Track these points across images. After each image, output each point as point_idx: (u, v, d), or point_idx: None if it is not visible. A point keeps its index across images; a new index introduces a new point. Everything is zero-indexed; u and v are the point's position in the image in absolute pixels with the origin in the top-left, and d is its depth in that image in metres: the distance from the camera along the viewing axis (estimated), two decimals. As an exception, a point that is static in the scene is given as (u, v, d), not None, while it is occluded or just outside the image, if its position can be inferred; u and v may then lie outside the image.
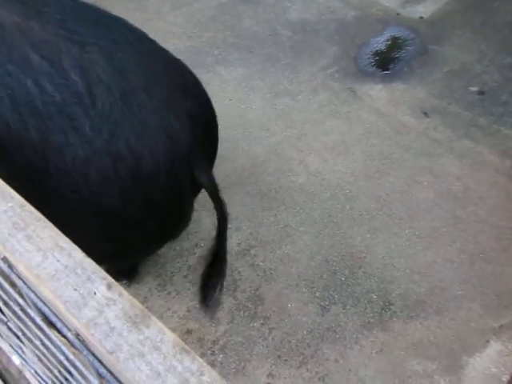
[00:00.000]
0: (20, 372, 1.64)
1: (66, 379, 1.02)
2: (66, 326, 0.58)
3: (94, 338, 0.55)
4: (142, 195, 1.47)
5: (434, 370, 1.86)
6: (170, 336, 0.56)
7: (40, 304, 0.62)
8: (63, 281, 0.60)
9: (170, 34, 3.47)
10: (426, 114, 2.94)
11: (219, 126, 2.85)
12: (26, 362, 1.45)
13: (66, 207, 1.47)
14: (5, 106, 1.37)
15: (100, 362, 0.56)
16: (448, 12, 3.62)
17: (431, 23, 3.53)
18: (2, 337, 1.53)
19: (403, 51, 3.37)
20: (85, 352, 0.56)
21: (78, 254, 0.63)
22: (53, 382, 1.21)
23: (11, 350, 1.54)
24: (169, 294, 2.12)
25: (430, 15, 3.58)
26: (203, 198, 2.48)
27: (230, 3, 3.79)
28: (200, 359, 0.55)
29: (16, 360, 1.60)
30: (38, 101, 1.36)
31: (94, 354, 0.56)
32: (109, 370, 0.55)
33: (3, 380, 1.65)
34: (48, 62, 1.36)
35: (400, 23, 3.59)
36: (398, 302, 2.10)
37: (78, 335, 0.57)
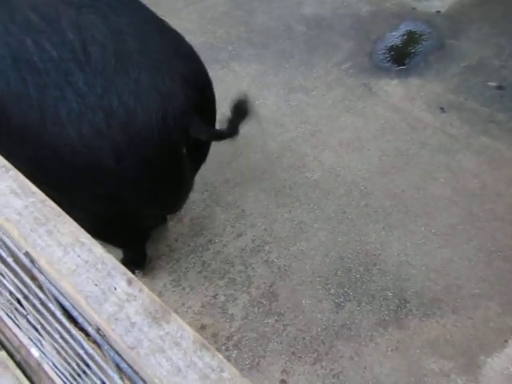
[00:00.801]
0: (39, 364, 1.66)
1: (84, 372, 1.03)
2: (87, 321, 0.58)
3: (114, 334, 0.55)
4: (134, 151, 1.50)
5: (450, 369, 1.84)
6: (190, 332, 0.56)
7: (61, 298, 0.62)
8: (84, 276, 0.60)
9: (184, 30, 3.45)
10: (442, 109, 2.89)
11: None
12: (44, 354, 1.47)
13: (61, 162, 1.51)
14: (6, 64, 1.45)
15: (121, 356, 0.56)
16: (466, 5, 3.55)
17: (448, 17, 3.48)
18: (21, 329, 1.56)
19: (419, 46, 3.32)
20: (106, 347, 0.56)
21: (98, 249, 0.63)
22: (71, 374, 1.23)
23: (30, 342, 1.57)
24: (183, 289, 2.13)
25: (448, 9, 3.52)
26: (216, 194, 2.49)
27: (243, -1, 3.78)
28: (220, 356, 0.54)
29: (35, 352, 1.63)
30: (36, 58, 1.43)
31: (114, 349, 0.56)
32: (129, 366, 0.55)
33: (23, 371, 1.67)
34: (46, 22, 1.45)
35: (416, 17, 3.54)
36: (414, 300, 2.08)
37: (98, 330, 0.57)
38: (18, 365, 1.71)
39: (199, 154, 1.79)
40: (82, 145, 1.46)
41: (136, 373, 0.55)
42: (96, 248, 0.63)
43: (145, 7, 1.70)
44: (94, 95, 1.42)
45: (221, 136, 1.67)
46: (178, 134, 1.54)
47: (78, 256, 0.62)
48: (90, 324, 0.58)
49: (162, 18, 3.47)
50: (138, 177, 1.56)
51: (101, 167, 1.50)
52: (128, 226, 1.87)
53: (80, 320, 0.59)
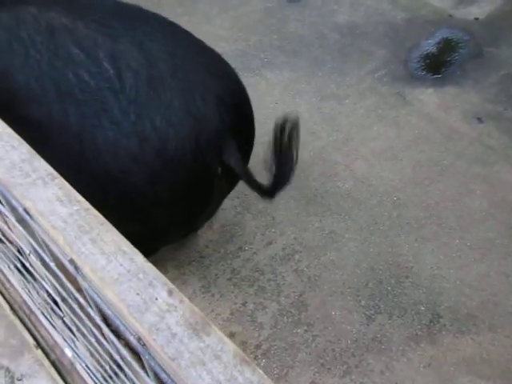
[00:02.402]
0: (72, 364, 1.70)
1: (116, 375, 1.04)
2: (129, 330, 0.59)
3: (155, 344, 0.55)
4: (168, 174, 1.53)
5: (487, 389, 1.78)
6: (231, 345, 0.56)
7: (103, 306, 0.63)
8: (126, 285, 0.61)
9: (218, 37, 3.51)
10: (479, 119, 2.82)
11: (265, 130, 2.85)
12: (77, 355, 1.50)
13: (98, 187, 1.55)
14: (51, 97, 1.52)
15: (161, 367, 0.57)
16: (506, 12, 3.46)
17: (487, 24, 3.39)
18: (56, 330, 1.59)
19: (456, 54, 3.25)
20: (147, 356, 0.57)
21: (139, 258, 0.64)
22: (102, 376, 1.25)
23: (64, 342, 1.60)
24: (213, 296, 2.13)
25: (486, 16, 3.44)
26: (247, 201, 2.50)
27: (276, 6, 3.79)
28: (260, 371, 0.54)
29: (68, 352, 1.67)
30: (76, 89, 1.50)
31: (155, 359, 0.57)
32: (169, 377, 0.56)
33: (57, 371, 1.71)
34: (85, 54, 1.51)
35: (453, 25, 3.47)
36: (448, 315, 2.02)
37: (139, 339, 0.58)
38: (53, 364, 1.76)
39: (234, 175, 1.78)
40: (118, 170, 1.51)
41: (176, 384, 0.55)
42: (137, 257, 0.64)
43: (181, 30, 1.73)
44: (128, 122, 1.46)
45: (248, 177, 1.66)
46: (211, 157, 1.56)
47: (121, 265, 0.63)
48: (131, 333, 0.58)
49: (197, 25, 3.50)
50: (170, 199, 1.60)
51: (136, 191, 1.55)
52: (152, 241, 1.91)
53: (121, 328, 0.60)
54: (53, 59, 1.53)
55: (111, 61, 1.48)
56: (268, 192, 1.74)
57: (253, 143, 1.82)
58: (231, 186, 1.85)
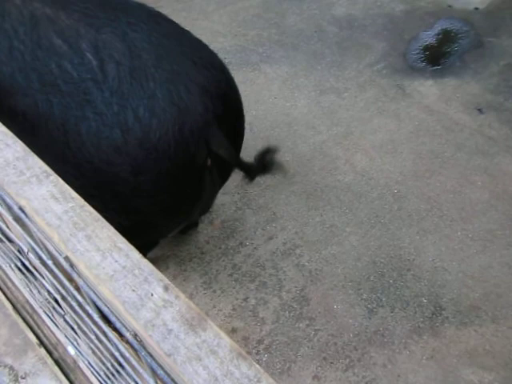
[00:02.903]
0: (75, 362, 1.70)
1: (118, 372, 1.04)
2: (125, 326, 0.59)
3: (151, 340, 0.55)
4: (151, 165, 1.52)
5: (490, 381, 1.77)
6: (227, 340, 0.55)
7: (99, 303, 0.63)
8: (121, 281, 0.60)
9: (216, 32, 3.50)
10: (480, 110, 2.80)
11: (264, 124, 2.85)
12: (80, 353, 1.51)
13: (83, 178, 1.56)
14: (35, 88, 1.52)
15: (157, 363, 0.56)
16: (506, 1, 3.43)
17: (487, 14, 3.37)
18: (58, 328, 1.60)
19: (456, 45, 3.23)
20: (143, 353, 0.57)
21: (135, 254, 0.64)
22: (105, 374, 1.25)
23: (67, 340, 1.61)
24: (214, 292, 2.13)
25: (487, 5, 3.41)
26: (247, 197, 2.49)
27: (274, 0, 3.77)
28: (257, 365, 0.54)
29: (71, 350, 1.67)
30: (59, 80, 1.50)
31: (151, 356, 0.57)
32: (166, 372, 0.55)
33: (60, 368, 1.72)
34: (68, 45, 1.50)
35: (452, 15, 3.44)
36: (450, 308, 2.02)
37: (136, 336, 0.58)
38: (56, 362, 1.76)
39: (226, 167, 1.78)
40: (100, 161, 1.51)
41: (173, 380, 0.55)
42: (133, 253, 0.64)
43: (166, 20, 1.70)
44: (111, 112, 1.46)
45: (240, 164, 1.67)
46: (195, 147, 1.54)
47: (116, 261, 0.62)
48: (127, 329, 0.58)
49: (195, 20, 3.49)
50: (155, 190, 1.59)
51: (119, 182, 1.55)
52: (144, 234, 1.90)
53: (117, 325, 0.60)
54: (36, 50, 1.53)
55: (94, 51, 1.48)
56: (256, 171, 1.75)
57: (243, 132, 1.81)
58: (224, 177, 1.84)
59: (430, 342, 1.92)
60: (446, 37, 3.31)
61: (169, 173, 1.55)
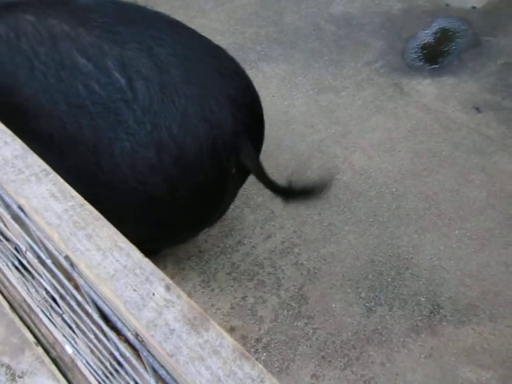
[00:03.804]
0: (73, 361, 1.69)
1: (117, 371, 1.04)
2: (126, 326, 0.58)
3: (153, 340, 0.54)
4: (187, 181, 1.52)
5: (488, 380, 1.78)
6: (230, 340, 0.55)
7: (100, 303, 0.62)
8: (122, 281, 0.60)
9: (214, 30, 3.49)
10: (478, 109, 2.80)
11: (262, 123, 2.84)
12: (78, 352, 1.50)
13: (117, 199, 1.53)
14: (61, 110, 1.48)
15: (159, 363, 0.56)
16: (504, 0, 3.44)
17: (485, 13, 3.37)
18: (56, 327, 1.59)
19: (453, 44, 3.23)
20: (145, 353, 0.56)
21: (136, 253, 0.63)
22: (103, 373, 1.24)
23: (64, 339, 1.60)
24: (212, 290, 2.13)
25: (484, 4, 3.42)
26: (246, 195, 2.49)
27: (272, -1, 3.76)
28: (260, 365, 0.53)
29: (69, 349, 1.67)
30: (87, 101, 1.45)
31: (153, 356, 0.56)
32: (168, 373, 0.55)
33: (58, 368, 1.71)
34: (93, 64, 1.46)
35: (450, 14, 3.45)
36: (448, 306, 2.02)
37: (137, 336, 0.57)
38: (54, 361, 1.75)
39: (245, 173, 1.78)
40: (136, 181, 1.49)
41: (175, 380, 0.55)
42: (134, 252, 0.63)
43: (185, 28, 1.68)
44: (144, 132, 1.43)
45: (262, 174, 1.67)
46: (228, 159, 1.54)
47: (117, 260, 0.62)
48: (128, 329, 0.58)
49: (192, 18, 3.48)
50: (190, 204, 1.59)
51: (155, 200, 1.53)
52: (167, 242, 1.91)
53: (119, 325, 0.59)
54: (59, 71, 1.48)
55: (121, 69, 1.44)
56: (282, 192, 1.74)
57: (263, 138, 1.82)
58: (242, 182, 1.85)
59: (428, 340, 1.93)
60: (444, 36, 3.31)
61: (203, 186, 1.55)
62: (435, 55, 3.18)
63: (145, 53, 1.47)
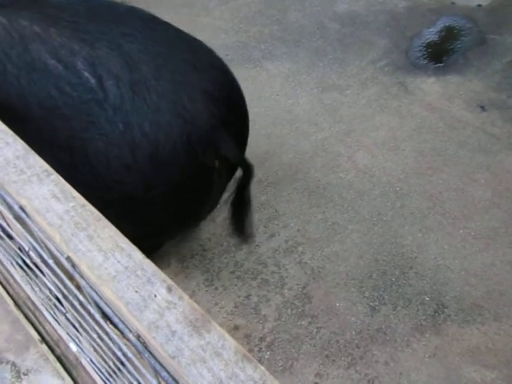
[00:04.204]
0: (77, 359, 1.70)
1: (120, 370, 1.04)
2: (128, 328, 0.58)
3: (155, 342, 0.54)
4: (163, 178, 1.50)
5: (493, 380, 1.77)
6: (231, 342, 0.54)
7: (102, 304, 0.62)
8: (124, 282, 0.60)
9: (218, 29, 3.48)
10: (483, 107, 2.79)
11: (266, 122, 2.84)
12: (82, 350, 1.50)
13: (92, 198, 1.53)
14: (35, 113, 1.47)
15: (161, 365, 0.56)
16: (509, -1, 3.41)
17: (491, 11, 3.34)
18: (60, 325, 1.59)
19: (458, 42, 3.21)
20: (146, 354, 0.56)
21: (137, 255, 0.63)
22: (107, 371, 1.25)
23: (69, 337, 1.60)
24: (216, 289, 2.13)
25: (490, 2, 3.39)
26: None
27: (276, -3, 3.75)
28: (262, 367, 0.53)
29: (73, 347, 1.67)
30: (60, 103, 1.45)
31: (155, 358, 0.56)
32: (170, 374, 0.55)
33: (62, 365, 1.72)
34: (63, 65, 1.44)
35: (455, 12, 3.42)
36: (453, 305, 2.01)
37: (139, 337, 0.57)
38: (58, 359, 1.76)
39: (232, 166, 1.77)
40: (112, 181, 1.48)
41: (176, 382, 0.54)
42: (135, 253, 0.63)
43: (159, 23, 1.65)
44: (117, 131, 1.42)
45: (244, 165, 1.65)
46: (205, 154, 1.53)
47: (118, 262, 0.62)
48: (130, 331, 0.58)
49: (196, 17, 3.46)
50: (168, 201, 1.58)
51: (131, 198, 1.53)
52: (154, 239, 1.90)
53: (120, 326, 0.59)
54: (31, 73, 1.46)
55: (91, 69, 1.43)
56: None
57: (248, 130, 1.80)
58: (231, 175, 1.83)
59: (433, 339, 1.92)
60: (449, 34, 3.29)
61: (180, 183, 1.54)
62: (440, 53, 3.16)
63: (115, 51, 1.45)
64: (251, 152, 2.43)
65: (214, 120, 1.51)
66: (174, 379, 0.54)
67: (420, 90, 2.94)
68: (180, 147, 1.46)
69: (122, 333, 0.63)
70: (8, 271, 1.87)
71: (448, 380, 1.80)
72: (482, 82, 2.91)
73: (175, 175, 1.51)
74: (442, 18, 3.39)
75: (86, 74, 1.43)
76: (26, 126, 1.48)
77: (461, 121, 2.74)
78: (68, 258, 0.62)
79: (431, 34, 3.30)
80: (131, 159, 1.45)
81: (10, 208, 0.72)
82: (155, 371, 0.58)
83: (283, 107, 2.91)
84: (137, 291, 0.58)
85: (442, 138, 2.67)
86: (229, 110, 1.59)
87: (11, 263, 1.60)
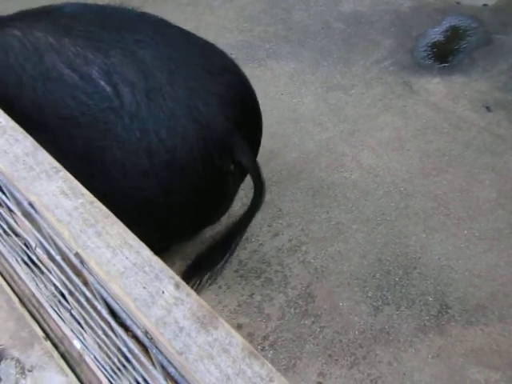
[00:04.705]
0: (81, 356, 1.71)
1: (125, 367, 1.04)
2: (136, 324, 0.58)
3: (163, 338, 0.55)
4: (180, 184, 1.51)
5: (497, 381, 1.77)
6: (239, 339, 0.55)
7: (110, 300, 0.62)
8: (132, 278, 0.60)
9: (222, 28, 3.49)
10: (488, 108, 2.78)
11: (270, 121, 2.84)
12: (86, 347, 1.51)
13: (111, 205, 1.53)
14: (52, 123, 1.48)
15: (169, 361, 0.56)
16: (515, -1, 3.40)
17: (497, 10, 3.33)
18: (64, 322, 1.60)
19: (464, 42, 3.20)
20: (154, 350, 0.56)
21: (145, 251, 0.63)
22: (111, 368, 1.25)
23: (73, 334, 1.61)
24: (220, 287, 2.13)
25: (496, 2, 3.38)
26: (253, 193, 2.48)
27: (281, -4, 3.75)
28: (269, 364, 0.53)
29: (77, 344, 1.68)
30: (76, 112, 1.46)
31: (162, 354, 0.56)
32: (177, 370, 0.55)
33: (66, 362, 1.73)
34: (78, 75, 1.45)
35: (460, 12, 3.41)
36: (456, 306, 2.01)
37: (146, 333, 0.57)
38: (62, 356, 1.77)
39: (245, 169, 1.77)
40: (130, 188, 1.49)
41: (184, 378, 0.55)
42: (143, 250, 0.64)
43: (170, 27, 1.65)
44: (134, 138, 1.43)
45: (257, 171, 1.65)
46: (221, 158, 1.53)
47: (127, 258, 0.62)
48: (138, 327, 0.58)
49: (201, 16, 3.46)
50: (186, 205, 1.59)
51: (151, 204, 1.54)
52: (170, 241, 1.90)
53: (128, 322, 0.59)
54: (47, 84, 1.47)
55: (106, 77, 1.43)
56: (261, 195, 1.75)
57: (261, 133, 1.80)
58: (243, 177, 1.84)
59: (436, 340, 1.92)
60: (454, 34, 3.28)
61: (197, 187, 1.55)
62: (445, 53, 3.16)
63: (129, 58, 1.45)
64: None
65: (229, 125, 1.51)
66: (181, 375, 0.55)
67: (425, 90, 2.93)
68: (197, 152, 1.47)
69: (128, 328, 0.64)
70: (13, 268, 1.88)
71: (451, 381, 1.80)
72: (487, 82, 2.91)
73: (193, 179, 1.52)
74: (448, 18, 3.38)
75: (102, 82, 1.43)
76: (42, 135, 1.49)
77: (466, 121, 2.73)
78: (76, 254, 0.63)
79: (436, 34, 3.30)
80: (148, 166, 1.45)
81: (19, 204, 0.73)
82: (162, 367, 0.58)
83: (288, 106, 2.91)
84: (145, 287, 0.59)
85: (447, 139, 2.66)
86: (243, 112, 1.60)
87: (16, 260, 1.61)
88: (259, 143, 1.82)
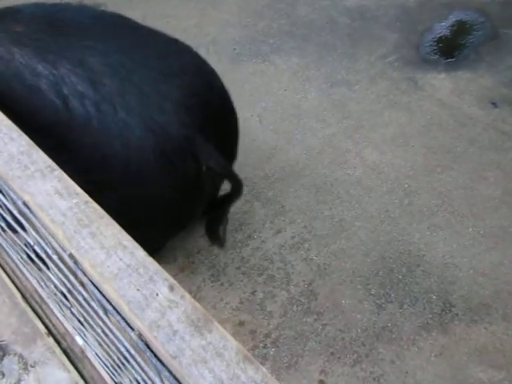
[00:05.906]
0: (83, 351, 1.71)
1: (125, 365, 1.04)
2: (130, 326, 0.58)
3: (156, 341, 0.54)
4: (141, 198, 1.44)
5: (500, 380, 1.75)
6: (233, 343, 0.54)
7: (104, 302, 0.62)
8: (126, 280, 0.59)
9: (225, 23, 3.46)
10: (494, 104, 2.74)
11: (273, 117, 2.82)
12: (87, 343, 1.51)
13: None
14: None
15: (163, 364, 0.55)
16: (523, -7, 3.35)
17: (504, 4, 3.28)
18: (66, 319, 1.60)
19: (470, 37, 3.16)
20: (148, 353, 0.55)
21: (140, 252, 0.63)
22: (112, 365, 1.25)
23: (74, 330, 1.61)
24: (222, 284, 2.13)
25: (503, -4, 3.33)
26: (256, 189, 2.47)
27: (285, -9, 3.72)
28: (264, 369, 0.52)
29: (79, 340, 1.68)
30: (29, 129, 1.39)
31: (156, 357, 0.55)
32: (172, 374, 0.54)
33: (68, 358, 1.73)
34: (28, 89, 1.37)
35: (467, 6, 3.37)
36: (460, 304, 1.99)
37: (140, 336, 0.57)
38: (64, 351, 1.77)
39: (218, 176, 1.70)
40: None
41: (178, 381, 0.54)
42: (138, 251, 0.63)
43: (124, 26, 1.54)
44: (86, 154, 1.36)
45: (230, 174, 1.58)
46: (183, 165, 1.44)
47: (121, 259, 0.61)
48: (132, 329, 0.57)
49: (204, 10, 3.42)
50: (150, 217, 1.52)
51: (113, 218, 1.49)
52: (148, 245, 1.88)
53: (122, 324, 0.59)
54: (2, 99, 1.38)
55: (54, 90, 1.34)
56: (238, 191, 1.69)
57: (237, 131, 1.71)
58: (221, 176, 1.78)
59: (439, 338, 1.90)
60: (461, 28, 3.24)
61: (162, 196, 1.48)
62: (451, 49, 3.12)
63: (77, 68, 1.36)
64: (258, 147, 2.42)
65: (188, 129, 1.41)
66: (175, 379, 0.54)
67: (430, 85, 2.90)
68: (154, 162, 1.38)
69: (124, 330, 0.63)
70: (16, 264, 1.89)
71: (454, 380, 1.79)
72: (493, 78, 2.87)
73: (154, 190, 1.45)
74: (454, 12, 3.34)
75: (51, 95, 1.35)
76: None
77: (471, 117, 2.70)
78: (70, 255, 0.62)
79: (443, 29, 3.26)
80: (105, 182, 1.38)
81: (14, 203, 0.72)
82: (157, 370, 0.57)
83: (291, 102, 2.89)
84: (138, 289, 0.58)
85: (452, 135, 2.63)
86: (206, 114, 1.49)
87: (19, 256, 1.61)
88: (235, 143, 1.74)
